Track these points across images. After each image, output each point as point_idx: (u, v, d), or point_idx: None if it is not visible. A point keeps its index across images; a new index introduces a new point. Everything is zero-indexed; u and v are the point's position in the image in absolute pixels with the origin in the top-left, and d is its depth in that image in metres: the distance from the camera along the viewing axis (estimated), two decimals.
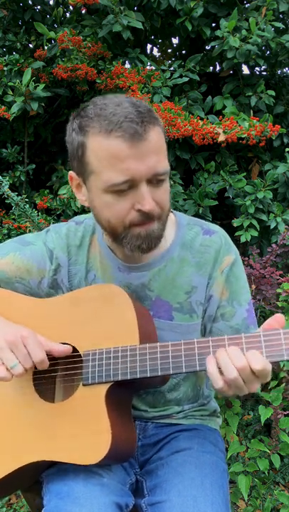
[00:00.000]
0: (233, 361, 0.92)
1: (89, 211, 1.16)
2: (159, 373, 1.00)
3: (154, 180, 1.01)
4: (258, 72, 3.07)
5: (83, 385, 1.04)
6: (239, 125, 2.49)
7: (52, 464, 1.09)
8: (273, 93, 2.68)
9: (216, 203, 2.65)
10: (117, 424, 1.01)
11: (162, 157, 1.01)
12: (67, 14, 3.07)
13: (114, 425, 0.99)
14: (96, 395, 1.02)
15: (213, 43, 2.63)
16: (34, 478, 1.13)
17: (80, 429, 1.01)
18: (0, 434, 1.08)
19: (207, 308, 1.19)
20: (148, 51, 3.31)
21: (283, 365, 1.96)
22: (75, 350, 1.08)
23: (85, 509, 0.96)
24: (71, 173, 1.10)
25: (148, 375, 1.00)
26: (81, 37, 2.65)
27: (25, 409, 1.08)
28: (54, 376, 1.17)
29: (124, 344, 1.03)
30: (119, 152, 0.96)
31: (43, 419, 1.05)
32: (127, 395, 1.12)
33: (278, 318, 0.96)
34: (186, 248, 1.18)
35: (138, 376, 1.00)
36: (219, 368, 0.94)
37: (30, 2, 2.92)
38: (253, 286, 2.26)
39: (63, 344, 1.07)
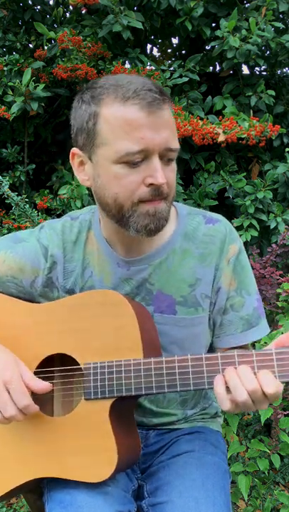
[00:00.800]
0: (244, 383, 0.88)
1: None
2: (166, 390, 0.96)
3: (165, 158, 0.99)
4: (258, 72, 3.07)
5: (85, 399, 1.00)
6: (239, 125, 2.49)
7: None
8: (273, 93, 2.68)
9: (216, 203, 2.65)
10: (122, 440, 0.99)
11: (174, 134, 1.01)
12: (67, 14, 3.07)
13: (119, 441, 0.97)
14: (99, 410, 0.99)
15: (213, 43, 2.63)
16: (35, 486, 1.12)
17: (84, 446, 0.98)
18: (0, 449, 1.06)
19: (216, 301, 1.15)
20: (148, 51, 3.31)
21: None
22: (74, 361, 1.04)
23: None
24: (74, 149, 1.05)
25: (154, 392, 0.96)
26: (81, 37, 2.65)
27: (26, 423, 1.04)
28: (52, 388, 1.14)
29: (127, 357, 0.99)
30: (135, 120, 0.95)
31: (44, 434, 1.02)
32: (130, 405, 1.08)
33: None
34: (188, 239, 1.14)
35: (144, 392, 0.97)
36: (227, 387, 0.90)
37: (30, 2, 2.92)
38: None
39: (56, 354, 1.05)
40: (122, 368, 0.98)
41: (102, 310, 1.03)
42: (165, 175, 0.99)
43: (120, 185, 0.98)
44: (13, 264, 1.16)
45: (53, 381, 1.10)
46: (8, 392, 0.98)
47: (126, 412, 1.06)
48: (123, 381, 0.97)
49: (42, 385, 1.01)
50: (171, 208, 1.17)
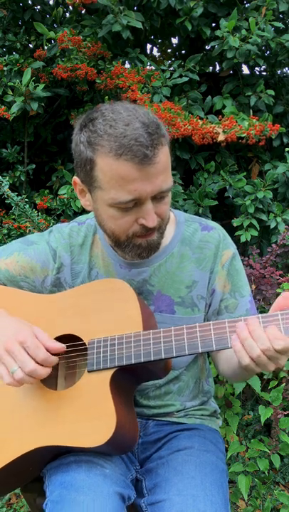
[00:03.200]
0: (257, 341, 0.94)
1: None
2: (163, 356, 1.02)
3: (158, 196, 1.04)
4: (257, 72, 3.07)
5: (88, 371, 1.06)
6: (239, 124, 2.48)
7: (54, 457, 1.09)
8: (273, 92, 2.68)
9: (216, 202, 2.65)
10: (121, 410, 1.03)
11: (168, 175, 1.04)
12: (67, 14, 3.07)
13: (118, 410, 1.01)
14: (101, 380, 1.04)
15: (213, 43, 2.62)
16: (36, 471, 1.14)
17: (85, 414, 1.02)
18: (4, 422, 1.09)
19: (211, 302, 1.23)
20: (148, 51, 3.31)
21: (283, 365, 1.96)
22: (80, 339, 1.10)
23: (88, 497, 0.97)
24: (76, 178, 1.11)
25: (152, 359, 1.02)
26: (81, 37, 2.65)
27: (30, 397, 1.09)
28: (57, 365, 1.18)
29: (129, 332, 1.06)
30: (128, 175, 0.98)
31: (47, 406, 1.07)
32: (130, 385, 1.13)
33: (286, 295, 0.98)
34: (185, 244, 1.22)
35: (142, 360, 1.02)
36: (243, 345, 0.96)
37: (30, 2, 2.92)
38: (253, 286, 2.26)
39: (63, 336, 1.10)
40: (124, 340, 1.05)
41: (106, 295, 1.11)
42: (158, 210, 1.05)
43: (115, 223, 1.06)
44: (25, 264, 1.24)
45: (59, 355, 1.14)
46: (25, 350, 1.02)
47: (126, 390, 1.11)
48: (124, 351, 1.04)
49: (56, 345, 1.05)
50: (170, 213, 1.23)
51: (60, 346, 1.05)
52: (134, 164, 0.97)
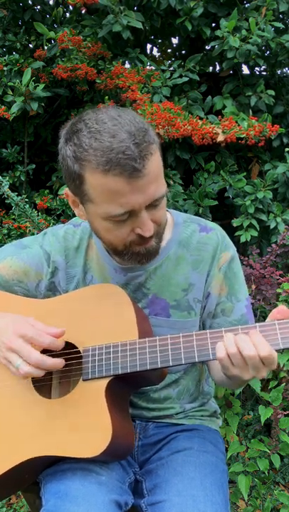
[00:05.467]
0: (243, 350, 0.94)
1: None
2: (159, 365, 1.01)
3: (153, 204, 1.01)
4: (257, 72, 3.07)
5: (83, 380, 1.05)
6: (238, 125, 2.48)
7: (50, 464, 1.08)
8: (273, 93, 2.68)
9: (216, 203, 2.65)
10: (117, 419, 1.02)
11: (160, 182, 1.01)
12: (67, 14, 3.07)
13: (114, 419, 1.00)
14: (96, 389, 1.03)
15: (213, 43, 2.62)
16: (32, 478, 1.13)
17: (80, 423, 1.01)
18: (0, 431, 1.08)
19: (206, 305, 1.20)
20: (148, 51, 3.31)
21: (283, 365, 1.96)
22: (74, 346, 1.09)
23: (83, 508, 0.96)
24: (67, 190, 1.08)
25: (148, 368, 1.01)
26: (81, 37, 2.65)
27: (25, 406, 1.08)
28: (51, 373, 1.17)
29: (124, 339, 1.05)
30: (118, 189, 0.95)
31: (42, 415, 1.06)
32: (125, 392, 1.12)
33: (280, 309, 0.97)
34: (182, 246, 1.19)
35: (138, 369, 1.01)
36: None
37: (30, 2, 2.92)
38: (253, 286, 2.26)
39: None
40: (119, 348, 1.04)
41: (100, 300, 1.10)
42: (153, 217, 1.03)
43: (111, 235, 1.04)
44: (18, 268, 1.22)
45: None
46: (28, 343, 1.03)
47: (121, 398, 1.10)
48: (119, 360, 1.03)
49: (56, 330, 1.05)
50: (168, 215, 1.22)
51: (60, 330, 1.05)
52: (124, 178, 0.93)
